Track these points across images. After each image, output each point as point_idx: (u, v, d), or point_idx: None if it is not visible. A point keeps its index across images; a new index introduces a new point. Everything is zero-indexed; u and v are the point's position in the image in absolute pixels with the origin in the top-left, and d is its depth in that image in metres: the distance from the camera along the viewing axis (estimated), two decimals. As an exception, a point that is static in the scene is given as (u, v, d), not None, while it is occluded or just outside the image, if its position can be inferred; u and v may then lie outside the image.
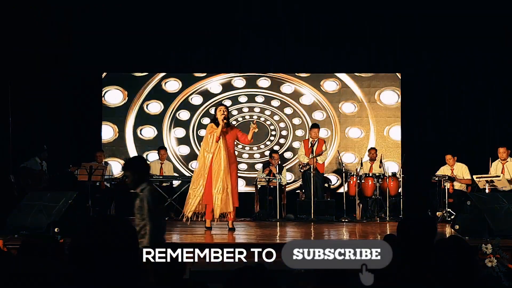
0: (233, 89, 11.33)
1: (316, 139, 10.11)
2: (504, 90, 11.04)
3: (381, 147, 10.98)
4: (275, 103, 11.31)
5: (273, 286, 2.10)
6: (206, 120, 11.19)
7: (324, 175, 10.38)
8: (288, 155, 11.27)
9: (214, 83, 11.29)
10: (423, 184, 10.20)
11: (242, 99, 11.33)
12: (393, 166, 10.81)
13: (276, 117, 11.31)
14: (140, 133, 11.23)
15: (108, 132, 11.18)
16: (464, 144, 10.92)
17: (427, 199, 10.04)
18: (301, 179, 10.65)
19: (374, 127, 11.20)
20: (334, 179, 11.02)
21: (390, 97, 11.21)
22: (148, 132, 11.23)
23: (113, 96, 11.22)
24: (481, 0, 10.67)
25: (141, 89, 11.24)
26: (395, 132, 11.16)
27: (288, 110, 11.30)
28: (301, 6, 11.05)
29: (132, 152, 11.13)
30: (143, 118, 11.23)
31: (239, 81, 11.33)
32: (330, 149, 11.03)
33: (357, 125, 11.24)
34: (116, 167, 10.89)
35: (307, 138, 10.49)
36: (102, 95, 11.17)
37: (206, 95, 11.28)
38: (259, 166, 11.10)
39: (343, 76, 11.27)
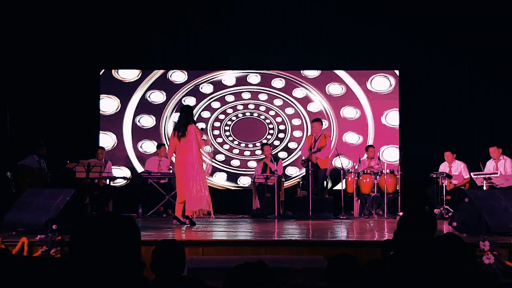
0: (244, 85, 11.34)
1: (319, 134, 10.08)
2: (502, 89, 11.08)
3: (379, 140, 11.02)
4: (278, 102, 11.32)
5: (273, 283, 2.10)
6: (206, 114, 11.24)
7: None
8: (292, 145, 11.30)
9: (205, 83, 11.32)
10: (421, 181, 10.22)
11: (230, 98, 11.33)
12: (392, 153, 10.91)
13: (272, 112, 11.33)
14: (141, 147, 11.24)
15: (107, 103, 11.18)
16: (462, 142, 10.96)
17: (425, 196, 10.06)
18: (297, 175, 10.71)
19: (371, 113, 11.24)
20: (345, 161, 10.95)
21: (383, 83, 11.22)
22: (149, 147, 11.24)
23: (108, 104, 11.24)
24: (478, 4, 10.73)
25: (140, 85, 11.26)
26: (393, 153, 11.17)
27: (278, 102, 11.32)
28: (298, 5, 11.06)
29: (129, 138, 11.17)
30: (140, 133, 11.25)
31: (252, 78, 11.35)
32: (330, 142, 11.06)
33: (352, 105, 11.27)
34: (108, 140, 11.00)
35: (310, 133, 10.47)
36: (116, 71, 11.19)
37: (200, 95, 11.29)
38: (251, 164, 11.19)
39: (342, 73, 11.29)
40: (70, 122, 10.81)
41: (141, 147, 11.24)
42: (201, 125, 11.12)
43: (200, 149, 7.85)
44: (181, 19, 11.04)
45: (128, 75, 11.24)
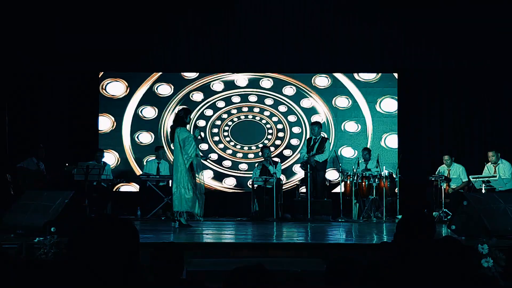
0: (230, 89, 11.34)
1: (318, 137, 10.11)
2: (500, 93, 11.09)
3: (377, 148, 11.02)
4: (269, 101, 11.32)
5: (272, 286, 2.10)
6: (202, 123, 11.23)
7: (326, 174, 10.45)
8: (287, 152, 11.28)
9: (216, 82, 11.32)
10: (419, 184, 10.23)
11: (236, 99, 11.34)
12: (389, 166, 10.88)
13: (270, 115, 11.32)
14: (137, 138, 11.23)
15: (105, 123, 11.16)
16: (461, 145, 10.98)
17: (424, 199, 10.06)
18: (298, 178, 10.69)
19: (371, 127, 11.23)
20: (334, 174, 10.98)
21: (388, 103, 11.24)
22: (145, 138, 11.23)
23: (114, 88, 11.21)
24: (478, 4, 10.74)
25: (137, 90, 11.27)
26: (392, 140, 11.18)
27: (282, 108, 11.31)
28: (298, 5, 11.06)
29: (128, 142, 11.16)
30: (140, 123, 11.24)
31: (240, 81, 11.35)
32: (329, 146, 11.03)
33: (353, 120, 11.26)
34: (110, 158, 10.93)
35: (309, 136, 10.48)
36: (104, 87, 11.14)
37: (208, 92, 11.30)
38: (243, 166, 11.16)
39: (339, 76, 11.29)
40: (70, 123, 10.83)
41: (137, 137, 11.22)
42: (201, 122, 11.16)
43: (185, 150, 7.89)
44: (181, 19, 11.00)
45: (115, 91, 11.23)
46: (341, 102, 11.27)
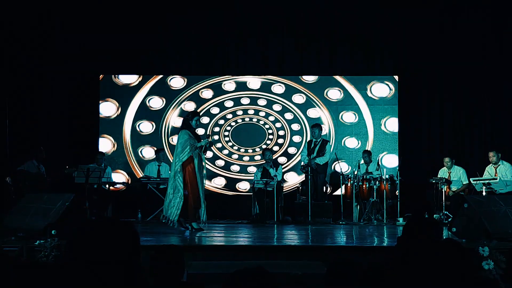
0: (227, 92, 11.33)
1: (319, 140, 10.11)
2: (500, 93, 11.08)
3: (378, 150, 11.01)
4: (277, 107, 11.28)
5: (272, 289, 2.10)
6: (205, 120, 11.20)
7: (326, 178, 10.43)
8: (282, 160, 11.24)
9: (228, 82, 11.29)
10: (420, 186, 10.22)
11: (245, 101, 11.33)
12: (392, 160, 10.83)
13: (272, 119, 11.30)
14: (138, 127, 11.19)
15: (105, 144, 11.10)
16: (461, 145, 10.97)
17: (425, 201, 10.06)
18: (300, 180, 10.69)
19: (371, 129, 11.20)
20: (345, 166, 10.89)
21: (385, 92, 11.22)
22: (146, 127, 11.20)
23: (108, 108, 11.19)
24: (477, 7, 10.74)
25: (139, 89, 11.24)
26: (392, 126, 11.15)
27: (288, 116, 11.27)
28: (298, 8, 11.05)
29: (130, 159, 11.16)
30: (143, 114, 11.22)
31: (233, 84, 11.34)
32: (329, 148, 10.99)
33: (353, 131, 11.23)
34: (116, 177, 10.90)
35: (310, 138, 10.46)
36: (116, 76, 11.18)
37: (199, 99, 11.31)
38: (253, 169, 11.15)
39: (341, 80, 11.27)
40: (70, 124, 10.83)
41: (138, 126, 11.20)
42: (205, 119, 11.14)
43: (177, 153, 7.85)
44: (181, 20, 10.98)
45: (128, 79, 11.25)
46: (348, 116, 11.20)
